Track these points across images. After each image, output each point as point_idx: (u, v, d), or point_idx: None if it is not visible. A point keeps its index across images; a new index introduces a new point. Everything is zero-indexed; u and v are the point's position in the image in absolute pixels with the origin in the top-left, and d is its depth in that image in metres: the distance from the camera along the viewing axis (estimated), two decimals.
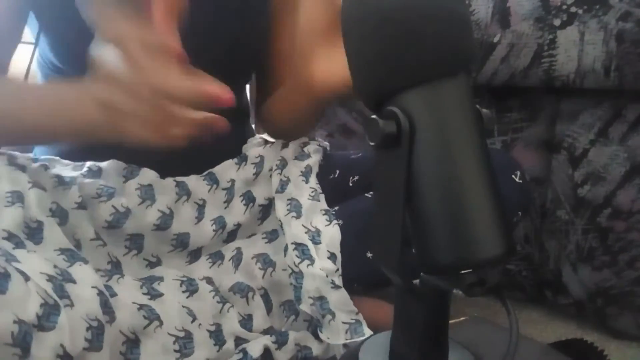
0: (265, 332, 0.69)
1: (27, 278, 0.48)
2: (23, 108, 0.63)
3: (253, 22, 0.79)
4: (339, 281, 0.67)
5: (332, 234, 0.71)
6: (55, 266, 0.53)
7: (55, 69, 0.73)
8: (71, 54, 0.70)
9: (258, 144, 0.84)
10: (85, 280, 0.55)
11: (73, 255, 0.58)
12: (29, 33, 0.74)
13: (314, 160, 0.81)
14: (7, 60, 0.72)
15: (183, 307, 0.64)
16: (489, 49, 0.91)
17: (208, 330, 0.64)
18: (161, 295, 0.63)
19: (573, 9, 0.82)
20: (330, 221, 0.72)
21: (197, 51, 0.71)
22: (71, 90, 0.60)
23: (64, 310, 0.49)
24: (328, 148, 0.89)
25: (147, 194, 0.70)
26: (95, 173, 0.70)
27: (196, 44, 0.71)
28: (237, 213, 0.75)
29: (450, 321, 0.40)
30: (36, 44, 0.73)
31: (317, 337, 0.69)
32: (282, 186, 0.76)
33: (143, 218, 0.70)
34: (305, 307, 0.68)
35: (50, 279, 0.51)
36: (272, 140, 0.87)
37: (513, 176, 0.77)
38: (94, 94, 0.56)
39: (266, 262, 0.71)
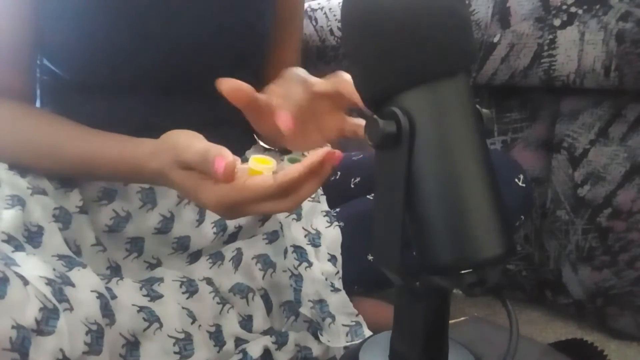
0: (265, 332, 0.69)
1: (25, 282, 0.48)
2: (100, 175, 0.65)
3: (257, 32, 0.78)
4: (338, 284, 0.67)
5: (332, 235, 0.71)
6: (54, 269, 0.53)
7: (51, 73, 0.72)
8: (68, 61, 0.69)
9: (261, 149, 0.84)
10: (85, 283, 0.55)
11: (71, 262, 0.58)
12: None
13: None
14: (17, 85, 0.70)
15: (183, 308, 0.63)
16: (489, 49, 0.91)
17: (208, 332, 0.64)
18: (161, 296, 0.63)
19: (573, 9, 0.82)
20: (331, 223, 0.72)
21: (198, 56, 0.71)
22: (151, 171, 0.57)
23: (63, 314, 0.49)
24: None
25: (148, 198, 0.70)
26: None
27: (200, 55, 0.71)
28: None
29: (450, 321, 0.40)
30: None
31: (317, 337, 0.69)
32: None
33: (144, 222, 0.70)
34: (305, 310, 0.67)
35: (50, 282, 0.50)
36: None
37: (516, 180, 0.77)
38: (176, 183, 0.55)
39: (266, 263, 0.71)
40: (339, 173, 0.87)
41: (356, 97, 0.50)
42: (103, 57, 0.67)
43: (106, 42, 0.66)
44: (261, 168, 0.50)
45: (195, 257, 0.73)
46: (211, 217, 0.74)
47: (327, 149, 0.48)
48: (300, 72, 0.55)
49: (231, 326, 0.66)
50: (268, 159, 0.51)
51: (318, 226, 0.72)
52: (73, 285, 0.53)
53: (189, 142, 0.51)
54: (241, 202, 0.49)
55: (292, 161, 0.50)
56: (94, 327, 0.52)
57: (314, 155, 0.48)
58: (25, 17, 0.67)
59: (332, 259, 0.69)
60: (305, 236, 0.70)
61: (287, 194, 0.49)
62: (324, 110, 0.55)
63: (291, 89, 0.53)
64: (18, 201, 0.59)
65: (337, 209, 0.77)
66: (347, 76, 0.52)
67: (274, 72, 0.84)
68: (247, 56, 0.75)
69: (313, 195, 0.75)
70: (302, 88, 0.53)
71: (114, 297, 0.58)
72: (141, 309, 0.60)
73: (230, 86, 0.51)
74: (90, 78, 0.69)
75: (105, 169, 0.63)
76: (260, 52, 0.78)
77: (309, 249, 0.68)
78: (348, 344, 0.64)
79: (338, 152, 0.49)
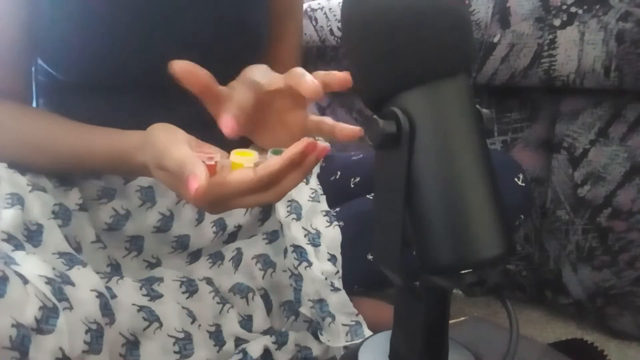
0: (265, 332, 0.69)
1: (25, 281, 0.48)
2: (93, 168, 0.65)
3: (252, 31, 0.78)
4: (338, 283, 0.67)
5: (332, 235, 0.71)
6: (54, 268, 0.53)
7: (47, 73, 0.72)
8: (64, 62, 0.69)
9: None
10: (85, 283, 0.55)
11: (72, 259, 0.58)
12: None
13: None
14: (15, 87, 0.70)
15: (183, 308, 0.63)
16: (489, 49, 0.91)
17: (208, 331, 0.64)
18: (161, 296, 0.63)
19: (573, 9, 0.82)
20: (331, 222, 0.72)
21: (195, 56, 0.71)
22: (138, 164, 0.57)
23: (63, 313, 0.49)
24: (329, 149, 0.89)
25: (148, 196, 0.70)
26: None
27: (196, 54, 0.70)
28: (237, 214, 0.75)
29: (450, 321, 0.40)
30: None
31: (317, 337, 0.69)
32: None
33: (143, 220, 0.70)
34: (305, 309, 0.67)
35: (49, 281, 0.50)
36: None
37: (515, 179, 0.77)
38: (158, 179, 0.55)
39: (266, 262, 0.71)
40: (339, 173, 0.87)
41: (297, 87, 0.50)
42: (100, 59, 0.67)
43: (103, 44, 0.66)
44: (242, 160, 0.49)
45: (195, 256, 0.73)
46: (211, 216, 0.74)
47: (307, 139, 0.48)
48: (259, 69, 0.55)
49: (231, 326, 0.66)
50: (249, 151, 0.51)
51: (318, 226, 0.72)
52: (73, 284, 0.53)
53: (167, 147, 0.50)
54: (223, 198, 0.49)
55: (276, 153, 0.50)
56: (94, 326, 0.52)
57: (294, 147, 0.47)
58: (21, 19, 0.66)
59: (332, 258, 0.69)
60: (305, 236, 0.70)
61: (270, 186, 0.49)
62: (286, 107, 0.55)
63: (245, 87, 0.53)
64: (17, 200, 0.59)
65: (337, 209, 0.77)
66: (295, 70, 0.52)
67: (273, 69, 0.84)
68: (244, 54, 0.75)
69: (313, 195, 0.75)
70: (255, 86, 0.53)
71: (113, 296, 0.58)
72: (141, 308, 0.60)
73: (183, 68, 0.50)
74: (86, 79, 0.68)
75: (97, 162, 0.63)
76: (257, 49, 0.78)
77: (309, 249, 0.68)
78: (348, 343, 0.64)
79: (322, 145, 0.49)
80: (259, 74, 0.54)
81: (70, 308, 0.51)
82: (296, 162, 0.48)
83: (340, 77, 0.50)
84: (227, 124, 0.50)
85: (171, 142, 0.50)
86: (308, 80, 0.48)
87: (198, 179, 0.45)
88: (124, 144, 0.59)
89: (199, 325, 0.64)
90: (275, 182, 0.49)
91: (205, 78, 0.51)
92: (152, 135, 0.54)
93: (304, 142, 0.48)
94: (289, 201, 0.74)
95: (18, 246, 0.55)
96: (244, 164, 0.49)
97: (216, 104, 0.53)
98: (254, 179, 0.47)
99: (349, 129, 0.55)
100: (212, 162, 0.49)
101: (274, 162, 0.47)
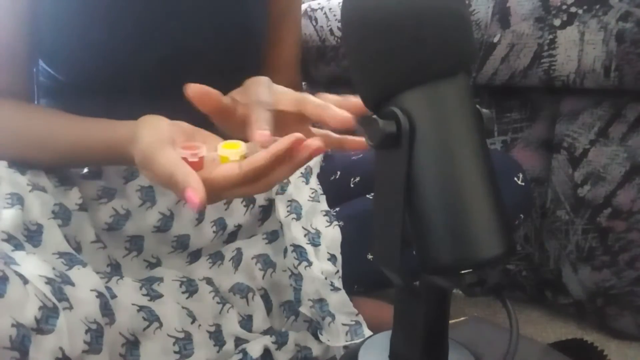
0: (265, 332, 0.69)
1: (25, 281, 0.48)
2: (89, 160, 0.66)
3: (252, 32, 0.78)
4: (338, 283, 0.67)
5: (332, 235, 0.71)
6: (54, 268, 0.53)
7: (48, 75, 0.72)
8: (65, 64, 0.69)
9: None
10: (85, 282, 0.55)
11: (72, 259, 0.58)
12: None
13: (314, 160, 0.81)
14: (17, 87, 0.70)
15: (183, 308, 0.63)
16: (489, 49, 0.91)
17: (208, 331, 0.64)
18: (161, 296, 0.63)
19: (573, 9, 0.82)
20: (331, 222, 0.72)
21: (195, 57, 0.71)
22: (130, 156, 0.57)
23: (63, 313, 0.49)
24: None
25: (148, 196, 0.70)
26: (96, 174, 0.70)
27: (196, 56, 0.71)
28: (237, 214, 0.75)
29: (450, 321, 0.40)
30: None
31: (317, 337, 0.69)
32: (282, 187, 0.76)
33: (143, 220, 0.70)
34: (305, 309, 0.67)
35: (49, 281, 0.50)
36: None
37: (515, 179, 0.77)
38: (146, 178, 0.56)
39: (266, 262, 0.71)
40: (338, 173, 0.87)
41: (321, 118, 0.50)
42: (101, 60, 0.67)
43: (104, 45, 0.66)
44: (228, 154, 0.50)
45: (195, 256, 0.73)
46: (210, 216, 0.74)
47: (294, 135, 0.47)
48: (263, 87, 0.55)
49: (231, 326, 0.66)
50: (237, 142, 0.51)
51: (318, 225, 0.72)
52: (73, 284, 0.53)
53: (153, 151, 0.50)
54: (211, 192, 0.49)
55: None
56: (94, 326, 0.52)
57: (279, 144, 0.47)
58: (22, 20, 0.67)
59: (332, 258, 0.69)
60: (305, 235, 0.70)
61: (257, 180, 0.49)
62: (290, 121, 0.55)
63: (260, 106, 0.53)
64: (17, 200, 0.59)
65: (337, 209, 0.77)
66: (311, 98, 0.53)
67: (272, 71, 0.84)
68: (243, 57, 0.75)
69: (313, 195, 0.75)
70: (265, 105, 0.53)
71: (113, 296, 0.58)
72: (141, 308, 0.60)
73: (197, 91, 0.51)
74: (87, 81, 0.69)
75: (92, 153, 0.63)
76: (257, 50, 0.78)
77: (309, 248, 0.68)
78: (348, 343, 0.64)
79: (315, 143, 0.48)
80: (264, 93, 0.54)
81: (70, 308, 0.51)
82: (281, 158, 0.48)
83: (356, 103, 0.51)
84: (265, 139, 0.50)
85: (156, 144, 0.50)
86: (337, 112, 0.49)
87: (197, 193, 0.45)
88: (115, 135, 0.59)
89: (199, 325, 0.64)
90: (262, 175, 0.49)
91: (216, 98, 0.52)
92: (138, 130, 0.54)
93: (290, 138, 0.48)
94: (289, 201, 0.74)
95: (18, 246, 0.55)
96: (230, 157, 0.50)
97: (222, 117, 0.54)
98: (239, 174, 0.48)
99: (357, 141, 0.56)
100: (196, 159, 0.49)
101: (259, 157, 0.47)
